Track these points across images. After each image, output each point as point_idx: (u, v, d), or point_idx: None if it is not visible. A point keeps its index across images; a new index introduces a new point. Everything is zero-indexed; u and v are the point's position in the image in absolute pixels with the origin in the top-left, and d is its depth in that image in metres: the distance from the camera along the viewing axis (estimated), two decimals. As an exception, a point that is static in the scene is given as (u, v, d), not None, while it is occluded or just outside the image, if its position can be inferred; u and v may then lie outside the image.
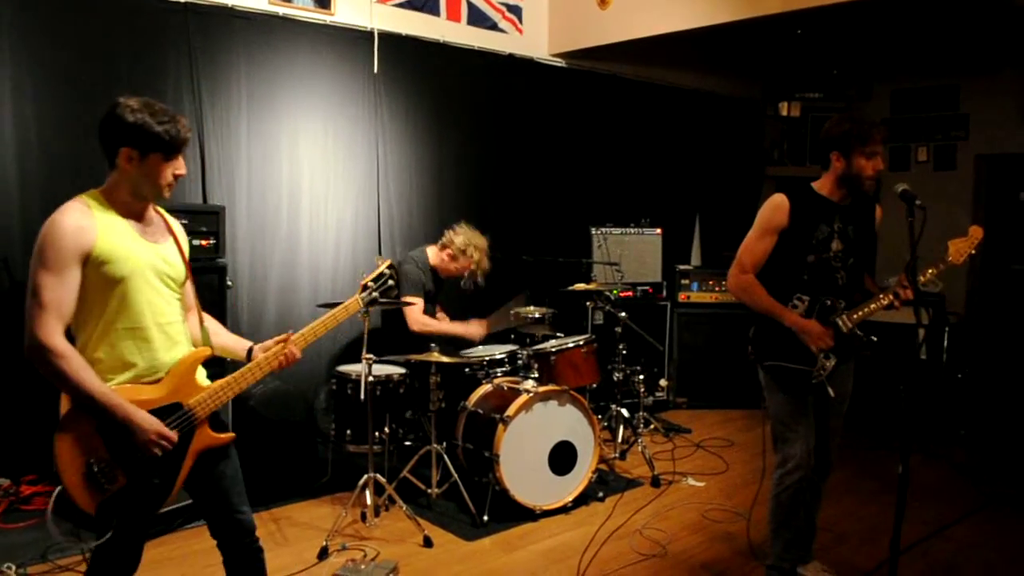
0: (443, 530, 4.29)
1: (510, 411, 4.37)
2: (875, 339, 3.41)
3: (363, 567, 3.74)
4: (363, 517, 4.35)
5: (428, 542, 4.09)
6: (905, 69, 8.00)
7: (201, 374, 2.59)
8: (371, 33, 5.65)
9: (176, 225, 2.64)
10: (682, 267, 7.23)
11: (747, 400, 6.62)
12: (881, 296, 3.35)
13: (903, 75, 8.10)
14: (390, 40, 5.75)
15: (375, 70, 5.68)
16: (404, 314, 4.93)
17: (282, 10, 5.23)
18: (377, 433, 4.44)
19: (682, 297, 7.11)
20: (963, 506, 4.71)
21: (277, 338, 2.70)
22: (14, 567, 3.60)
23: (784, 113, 8.17)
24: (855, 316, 3.36)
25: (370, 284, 3.00)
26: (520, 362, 4.90)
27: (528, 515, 4.44)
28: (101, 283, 2.33)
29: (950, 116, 7.91)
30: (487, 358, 4.95)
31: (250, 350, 2.70)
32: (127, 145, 2.35)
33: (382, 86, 5.74)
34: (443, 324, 5.16)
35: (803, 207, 3.37)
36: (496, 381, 4.78)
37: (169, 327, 2.49)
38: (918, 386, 6.21)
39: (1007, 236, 7.62)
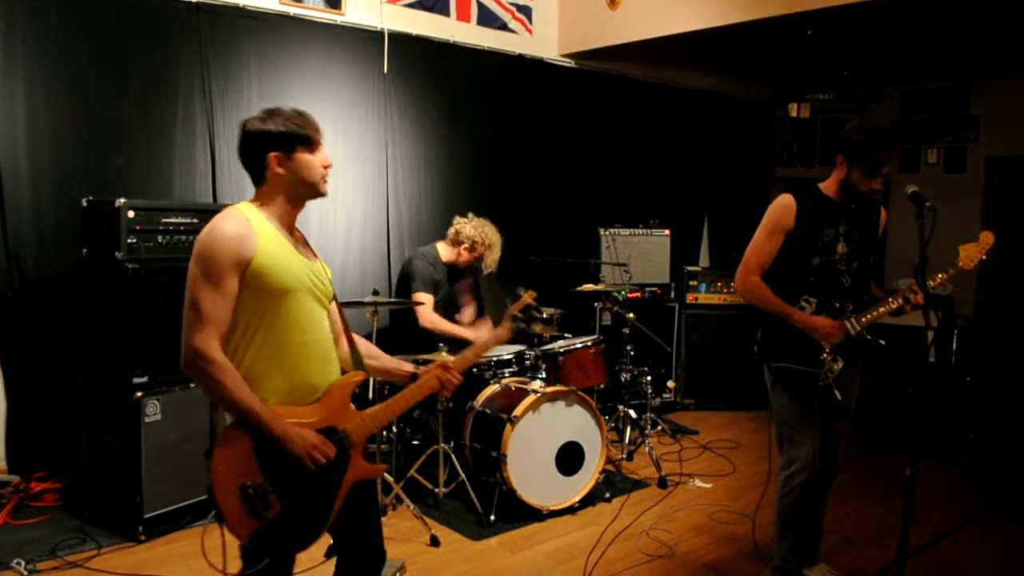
0: (450, 529, 4.29)
1: (518, 411, 4.38)
2: (883, 343, 3.40)
3: (370, 566, 3.74)
4: (370, 516, 4.35)
5: (435, 541, 4.10)
6: (916, 70, 7.97)
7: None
8: (381, 33, 5.66)
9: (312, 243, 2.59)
10: (690, 268, 7.23)
11: (755, 402, 6.61)
12: (891, 299, 3.34)
13: (914, 76, 8.07)
14: (400, 40, 5.76)
15: (385, 70, 5.70)
16: (415, 312, 4.93)
17: (293, 10, 5.25)
18: (384, 432, 4.46)
19: (690, 298, 7.10)
20: (971, 510, 4.70)
21: (436, 363, 2.67)
22: (24, 563, 3.63)
23: (794, 114, 8.14)
24: (864, 319, 3.36)
25: (518, 315, 2.89)
26: (528, 362, 4.91)
27: (535, 515, 4.44)
28: (259, 295, 2.25)
29: (961, 118, 7.88)
30: (495, 358, 4.96)
31: (414, 375, 2.66)
32: (272, 150, 2.32)
33: (392, 86, 5.75)
34: (452, 326, 5.15)
35: (809, 209, 3.37)
36: (504, 381, 4.79)
37: (324, 344, 2.42)
38: (927, 389, 6.19)
39: (1017, 239, 7.59)
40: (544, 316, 2.92)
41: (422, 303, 4.91)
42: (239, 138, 2.37)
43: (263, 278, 2.23)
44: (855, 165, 3.28)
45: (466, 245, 5.16)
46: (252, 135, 2.33)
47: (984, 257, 3.35)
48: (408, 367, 2.69)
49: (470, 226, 5.18)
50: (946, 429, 6.05)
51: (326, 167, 2.39)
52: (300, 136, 2.32)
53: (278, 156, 2.31)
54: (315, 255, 2.50)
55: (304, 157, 2.33)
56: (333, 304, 2.54)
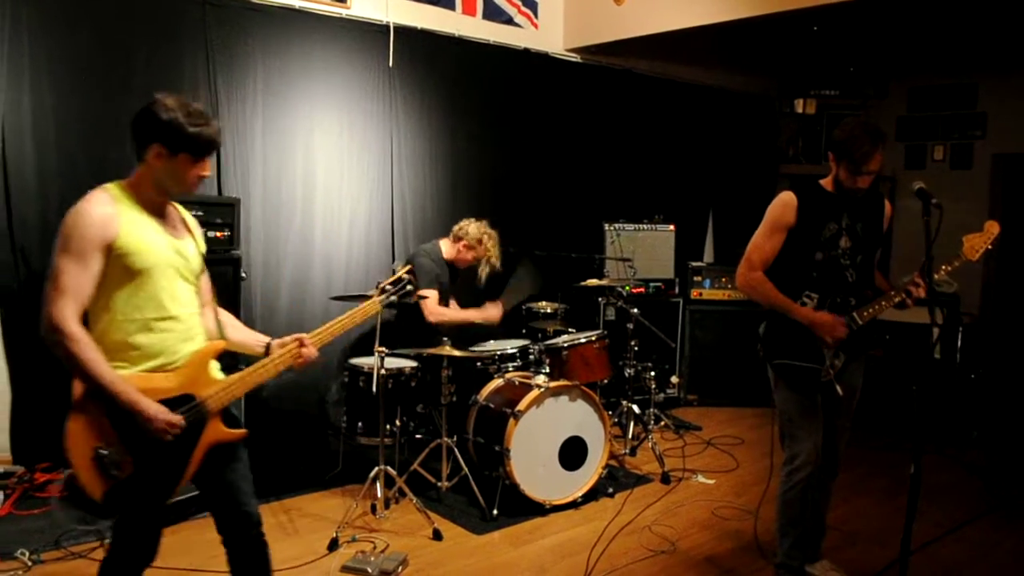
0: (453, 523, 4.30)
1: (521, 406, 4.38)
2: (888, 337, 3.40)
3: (373, 559, 3.75)
4: (373, 509, 4.37)
5: (438, 535, 4.11)
6: (922, 67, 7.94)
7: (215, 367, 2.61)
8: (386, 27, 5.65)
9: (191, 220, 2.69)
10: (695, 264, 7.22)
11: (758, 398, 6.59)
12: (893, 293, 3.34)
13: (920, 73, 8.04)
14: (405, 34, 5.75)
15: (390, 64, 5.69)
16: (420, 307, 4.93)
17: (298, 3, 5.24)
18: (388, 426, 4.46)
19: (694, 294, 7.09)
20: (975, 508, 4.69)
21: (293, 336, 2.73)
22: (28, 553, 3.64)
23: (799, 110, 8.11)
24: (865, 313, 3.35)
25: (388, 287, 3.02)
26: (531, 357, 4.91)
27: (538, 510, 4.45)
28: (122, 273, 2.37)
29: (967, 114, 7.85)
30: (498, 352, 4.95)
31: (268, 346, 2.73)
32: (158, 142, 2.40)
33: (397, 80, 5.74)
34: (459, 312, 5.16)
35: (811, 204, 3.36)
36: (507, 376, 4.79)
37: (186, 319, 2.53)
38: (931, 386, 6.18)
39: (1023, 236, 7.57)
40: (410, 290, 3.04)
41: (427, 297, 4.92)
42: (140, 108, 2.45)
43: (124, 257, 2.35)
44: (841, 163, 3.29)
45: (465, 242, 5.15)
46: (150, 117, 2.41)
47: (989, 247, 3.33)
48: (263, 339, 2.77)
49: (474, 225, 5.18)
50: (951, 427, 6.04)
51: (201, 177, 2.51)
52: (192, 144, 2.41)
53: (159, 151, 2.41)
54: (188, 231, 2.62)
55: (184, 161, 2.43)
56: (204, 276, 2.68)
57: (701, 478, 5.13)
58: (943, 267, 3.31)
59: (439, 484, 4.64)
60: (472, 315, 5.14)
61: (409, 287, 3.04)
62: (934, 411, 6.08)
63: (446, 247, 5.24)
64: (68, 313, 2.27)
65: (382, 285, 3.01)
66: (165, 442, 2.37)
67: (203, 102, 4.85)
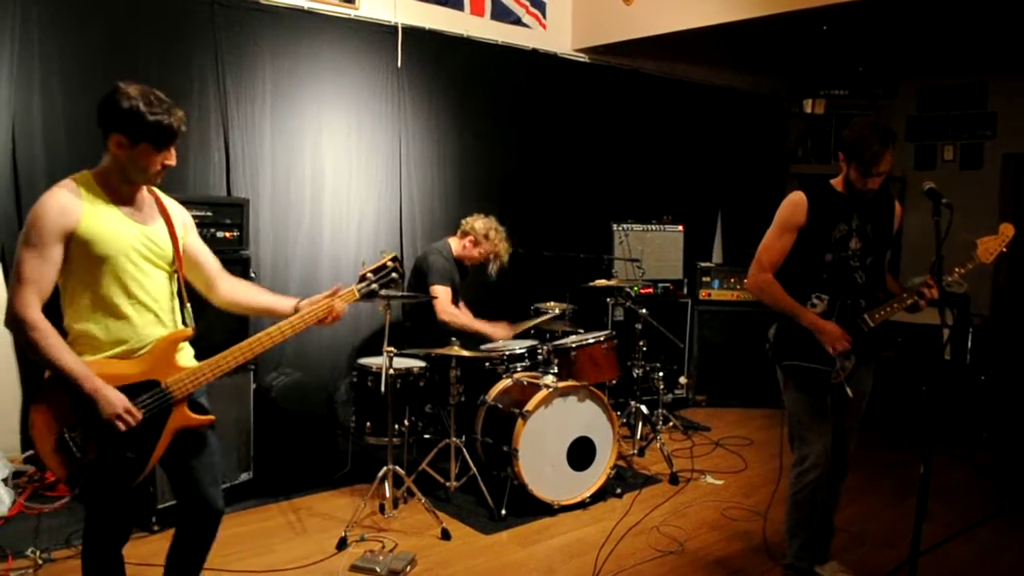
0: (461, 523, 4.30)
1: (529, 406, 4.38)
2: (899, 339, 3.39)
3: (381, 558, 3.76)
4: (382, 509, 4.37)
5: (446, 535, 4.11)
6: (932, 67, 7.92)
7: (185, 354, 2.66)
8: (395, 27, 5.66)
9: (172, 205, 2.70)
10: (703, 264, 7.20)
11: (767, 399, 6.58)
12: (905, 295, 3.32)
13: (930, 73, 8.02)
14: (414, 34, 5.76)
15: (399, 64, 5.70)
16: (433, 304, 4.94)
17: (307, 4, 5.25)
18: (397, 426, 4.47)
19: (703, 294, 7.07)
20: (985, 509, 4.67)
21: (327, 292, 2.83)
22: (38, 551, 3.66)
23: (809, 110, 8.10)
24: (877, 316, 3.34)
25: (369, 275, 2.96)
26: (540, 357, 4.91)
27: (546, 510, 4.44)
28: (84, 261, 2.42)
29: (977, 114, 7.82)
30: (507, 353, 4.95)
31: (296, 307, 2.80)
32: (118, 131, 2.43)
33: (405, 80, 5.76)
34: (471, 320, 5.15)
35: (821, 205, 3.35)
36: (516, 376, 4.79)
37: (153, 305, 2.56)
38: (941, 388, 6.15)
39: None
40: (395, 279, 2.98)
41: (437, 296, 4.92)
42: (103, 96, 2.46)
43: (85, 246, 2.40)
44: (851, 163, 3.27)
45: (472, 237, 5.16)
46: (111, 105, 2.42)
47: (1004, 250, 3.30)
48: (290, 300, 2.83)
49: (481, 221, 5.18)
50: (960, 428, 6.02)
51: (165, 165, 2.51)
52: (151, 133, 2.42)
53: (120, 140, 2.43)
54: (163, 216, 2.62)
55: (145, 150, 2.44)
56: (198, 256, 2.74)
57: (710, 479, 5.12)
58: (956, 269, 3.29)
59: (447, 484, 4.65)
60: (482, 327, 5.13)
61: (394, 275, 2.98)
62: (944, 412, 6.05)
63: (455, 244, 5.25)
64: (29, 301, 2.33)
65: (363, 272, 2.96)
66: (129, 428, 2.42)
67: (212, 103, 4.92)
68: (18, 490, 4.25)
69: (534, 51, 6.53)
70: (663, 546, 4.09)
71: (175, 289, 2.68)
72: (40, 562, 3.61)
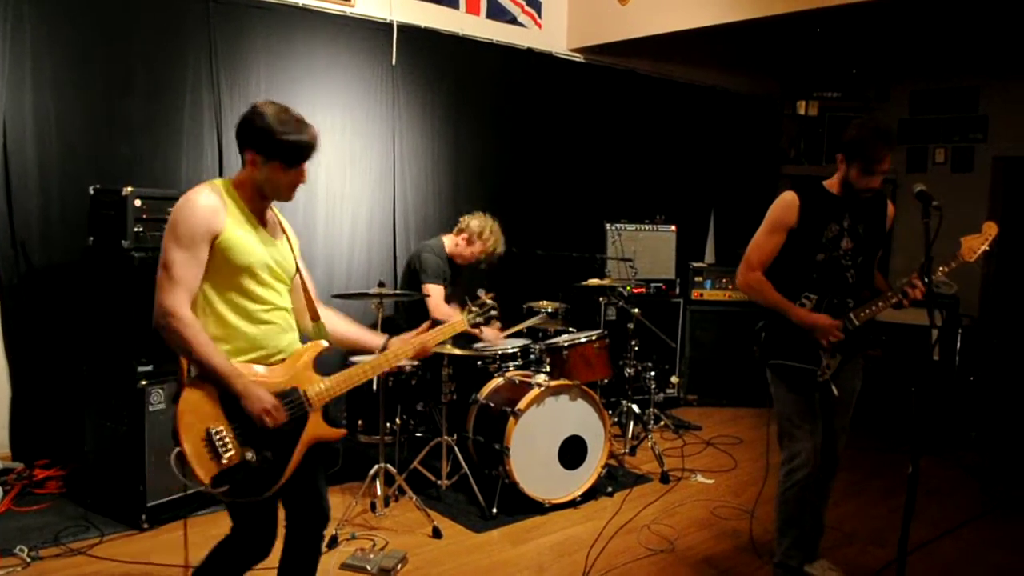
0: (452, 521, 4.31)
1: (521, 404, 4.38)
2: (884, 338, 3.40)
3: (372, 556, 3.76)
4: (373, 507, 4.37)
5: (437, 533, 4.11)
6: (924, 70, 7.95)
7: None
8: (390, 25, 5.66)
9: (287, 225, 2.77)
10: (696, 264, 7.22)
11: (757, 398, 6.60)
12: (890, 294, 3.33)
13: (922, 76, 8.06)
14: (409, 32, 5.76)
15: (393, 62, 5.70)
16: (425, 302, 4.93)
17: (302, 1, 5.25)
18: (388, 424, 4.47)
19: (695, 294, 7.09)
20: (972, 509, 4.70)
21: (418, 329, 2.92)
22: (27, 550, 3.65)
23: (801, 112, 8.14)
24: (862, 314, 3.36)
25: (474, 308, 3.11)
26: (532, 356, 4.91)
27: (537, 508, 4.45)
28: (222, 266, 2.44)
29: (969, 118, 7.86)
30: (499, 351, 4.96)
31: (386, 343, 2.87)
32: (251, 149, 2.49)
33: (400, 78, 5.76)
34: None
35: (813, 205, 3.37)
36: (508, 375, 4.79)
37: (282, 314, 2.62)
38: (930, 388, 6.18)
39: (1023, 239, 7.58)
40: (494, 316, 3.15)
41: (430, 295, 4.92)
42: (243, 113, 2.53)
43: (227, 252, 2.43)
44: (852, 163, 3.28)
45: (466, 235, 5.15)
46: (246, 124, 2.51)
47: (987, 248, 3.32)
48: (380, 336, 2.90)
49: (476, 220, 5.17)
50: (949, 428, 6.05)
51: (295, 186, 2.57)
52: (282, 152, 2.48)
53: (253, 157, 2.49)
54: (284, 233, 2.70)
55: (275, 169, 2.50)
56: (302, 279, 2.77)
57: (700, 478, 5.13)
58: (940, 268, 3.30)
59: (439, 482, 4.65)
60: (473, 329, 5.12)
61: (493, 313, 3.13)
62: (932, 412, 6.08)
63: (448, 242, 5.24)
64: (181, 300, 2.36)
65: (470, 306, 3.12)
66: (270, 431, 2.43)
67: (206, 100, 4.92)
68: (6, 487, 4.24)
69: (529, 50, 6.54)
70: (653, 544, 4.10)
71: (290, 302, 2.72)
72: (29, 560, 3.60)
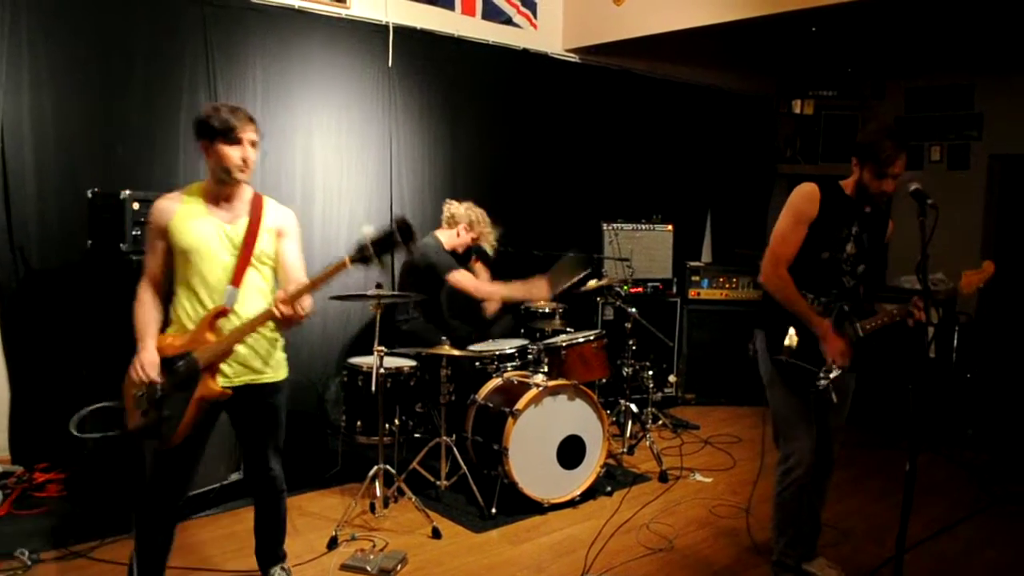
0: (451, 522, 4.32)
1: (520, 405, 4.39)
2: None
3: (372, 557, 3.77)
4: (372, 508, 4.38)
5: (436, 533, 4.12)
6: (920, 68, 7.96)
7: (222, 328, 2.95)
8: (386, 27, 5.67)
9: (270, 209, 3.12)
10: (693, 263, 7.23)
11: (755, 397, 6.54)
12: (895, 311, 3.37)
13: (918, 74, 8.06)
14: (404, 34, 5.77)
15: (389, 64, 5.71)
16: (464, 288, 5.00)
17: (298, 3, 5.26)
18: (387, 425, 4.48)
19: (692, 294, 7.11)
20: (970, 505, 4.72)
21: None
22: (27, 553, 3.65)
23: (797, 111, 8.15)
24: (868, 326, 3.37)
25: (354, 249, 2.85)
26: (530, 356, 4.92)
27: (536, 508, 4.46)
28: (175, 251, 2.96)
29: (964, 115, 7.86)
30: (497, 352, 4.97)
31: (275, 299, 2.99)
32: (199, 138, 2.94)
33: (396, 80, 5.76)
34: (505, 288, 5.16)
35: (831, 202, 3.35)
36: (506, 375, 4.80)
37: (216, 286, 2.98)
38: (927, 385, 6.20)
39: (1020, 237, 7.59)
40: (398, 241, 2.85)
41: (460, 281, 4.96)
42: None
43: (172, 238, 2.95)
44: (865, 166, 3.29)
45: (463, 225, 5.19)
46: (196, 123, 2.96)
47: (982, 285, 3.46)
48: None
49: (459, 208, 5.24)
50: (946, 425, 6.06)
51: (243, 159, 2.93)
52: (218, 130, 2.88)
53: (203, 144, 2.94)
54: (248, 216, 3.04)
55: (221, 148, 2.90)
56: (288, 261, 3.21)
57: (698, 476, 5.15)
58: (939, 276, 3.36)
59: (438, 483, 4.66)
60: (517, 291, 5.12)
61: (367, 250, 2.85)
62: (929, 410, 6.10)
63: (444, 237, 5.25)
64: (141, 283, 3.02)
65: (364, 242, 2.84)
66: (166, 391, 2.81)
67: (202, 102, 4.91)
68: (6, 491, 4.24)
69: (525, 51, 6.55)
70: (652, 544, 4.12)
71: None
72: (29, 563, 3.60)
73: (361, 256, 2.84)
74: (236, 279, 3.00)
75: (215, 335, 2.91)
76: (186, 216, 2.95)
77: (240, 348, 3.00)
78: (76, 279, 4.42)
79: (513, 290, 5.14)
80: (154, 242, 2.98)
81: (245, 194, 3.08)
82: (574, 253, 6.05)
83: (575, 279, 5.32)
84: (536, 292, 5.15)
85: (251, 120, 2.96)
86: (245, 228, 3.02)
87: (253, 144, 2.98)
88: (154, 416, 2.78)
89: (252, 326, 2.92)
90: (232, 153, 2.91)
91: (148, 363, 2.88)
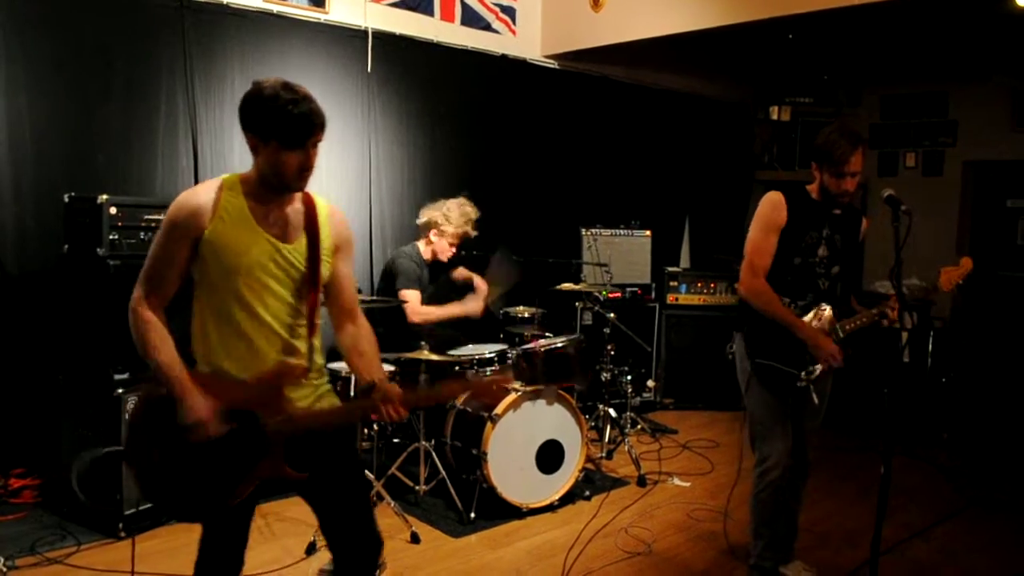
0: (430, 527, 4.31)
1: (498, 409, 4.40)
2: (850, 351, 3.44)
3: (351, 562, 3.75)
4: (351, 513, 4.36)
5: (415, 538, 4.12)
6: (895, 75, 8.05)
7: (298, 394, 2.38)
8: (365, 32, 5.67)
9: (325, 219, 2.43)
10: (671, 269, 7.26)
11: (733, 402, 6.58)
12: (874, 311, 3.43)
13: (893, 81, 8.16)
14: (384, 39, 5.77)
15: (368, 69, 5.71)
16: (403, 309, 4.93)
17: (277, 8, 5.25)
18: (366, 430, 4.47)
19: (670, 299, 7.14)
20: (944, 508, 4.77)
21: (390, 389, 2.44)
22: (3, 559, 3.61)
23: (774, 117, 8.21)
24: (848, 327, 3.41)
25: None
26: (509, 361, 4.93)
27: (515, 513, 4.47)
28: (208, 267, 2.26)
29: (938, 122, 7.97)
30: (476, 357, 4.97)
31: (373, 384, 2.44)
32: (248, 130, 2.28)
33: (375, 85, 5.76)
34: (441, 308, 5.13)
35: (798, 208, 3.40)
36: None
37: (273, 323, 2.33)
38: (902, 389, 6.26)
39: (993, 242, 7.69)
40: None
41: (407, 301, 4.92)
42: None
43: (210, 254, 2.24)
44: (823, 168, 3.34)
45: (434, 230, 5.14)
46: (244, 102, 2.30)
47: (961, 281, 3.50)
48: (369, 376, 2.50)
49: (431, 212, 5.15)
50: (921, 429, 6.13)
51: (302, 170, 2.28)
52: (278, 131, 2.22)
53: (252, 139, 2.28)
54: (306, 232, 2.37)
55: (275, 150, 2.23)
56: (342, 286, 2.52)
57: (677, 481, 5.17)
58: (916, 281, 3.40)
59: (416, 488, 4.65)
60: (454, 310, 5.11)
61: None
62: (904, 414, 6.16)
63: (423, 246, 5.25)
64: (144, 293, 2.25)
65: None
66: (202, 449, 2.22)
67: (181, 106, 4.90)
68: (-20, 497, 4.20)
69: (503, 57, 6.57)
70: (631, 547, 4.13)
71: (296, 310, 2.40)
72: (5, 570, 3.56)
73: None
74: (310, 324, 2.40)
75: (290, 400, 2.32)
76: (230, 223, 2.25)
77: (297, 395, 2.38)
78: (53, 284, 4.39)
79: (449, 310, 5.12)
80: (175, 248, 2.23)
81: (296, 196, 2.40)
82: (500, 253, 5.96)
83: (509, 283, 5.32)
84: (472, 308, 5.15)
85: (321, 115, 2.33)
86: (305, 249, 2.35)
87: (316, 145, 2.32)
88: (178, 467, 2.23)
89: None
90: (290, 161, 2.25)
91: (206, 425, 2.19)
